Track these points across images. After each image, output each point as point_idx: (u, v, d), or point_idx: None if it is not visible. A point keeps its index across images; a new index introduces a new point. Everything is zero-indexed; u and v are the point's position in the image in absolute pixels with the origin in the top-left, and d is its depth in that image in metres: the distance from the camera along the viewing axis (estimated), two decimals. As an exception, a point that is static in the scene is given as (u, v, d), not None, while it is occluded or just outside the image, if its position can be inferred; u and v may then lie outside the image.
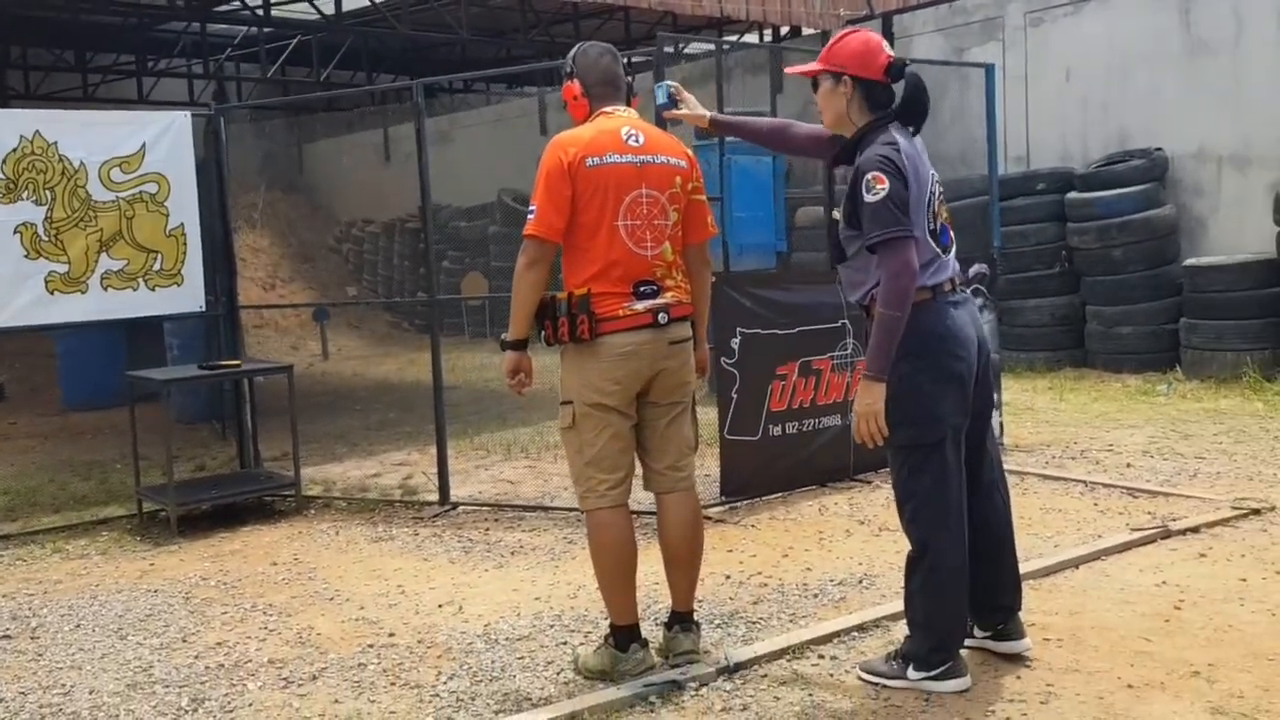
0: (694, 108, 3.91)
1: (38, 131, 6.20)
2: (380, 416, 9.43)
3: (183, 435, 6.76)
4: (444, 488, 6.15)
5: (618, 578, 3.63)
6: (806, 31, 12.29)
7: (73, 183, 6.27)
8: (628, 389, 3.58)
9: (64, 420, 10.39)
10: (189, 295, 6.64)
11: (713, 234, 3.79)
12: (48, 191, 6.20)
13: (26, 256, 6.14)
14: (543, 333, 3.59)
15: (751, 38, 15.12)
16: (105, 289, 6.37)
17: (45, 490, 7.35)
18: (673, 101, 3.88)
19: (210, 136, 6.77)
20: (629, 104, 3.71)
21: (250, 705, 3.64)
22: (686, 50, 13.81)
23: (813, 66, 3.52)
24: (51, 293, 6.23)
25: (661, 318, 3.55)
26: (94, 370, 11.02)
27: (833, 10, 11.15)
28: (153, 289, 6.52)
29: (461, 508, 6.07)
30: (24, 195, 6.14)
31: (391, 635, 4.20)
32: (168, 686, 3.82)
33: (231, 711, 3.60)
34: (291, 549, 5.53)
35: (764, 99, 10.31)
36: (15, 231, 6.12)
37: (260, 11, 12.83)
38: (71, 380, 11.15)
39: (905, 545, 3.50)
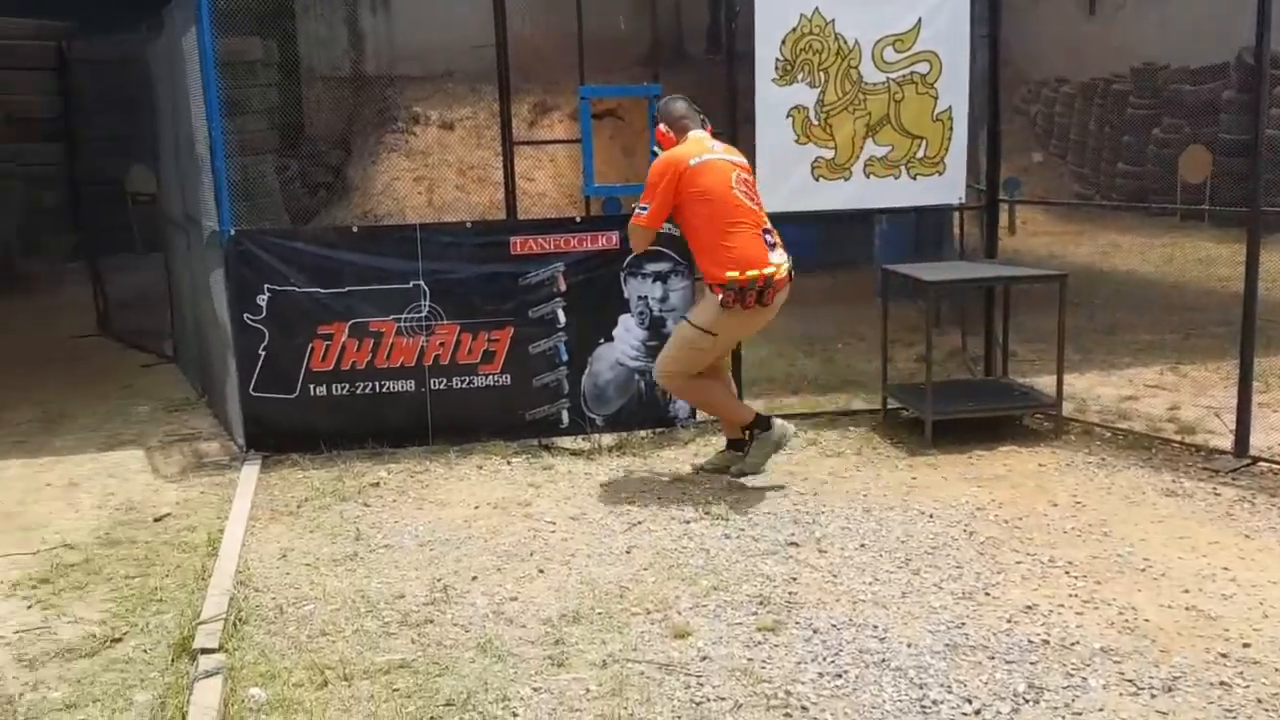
0: None
1: (817, 9, 6.00)
2: (1106, 318, 8.45)
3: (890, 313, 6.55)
4: (1242, 436, 5.17)
5: (728, 399, 5.32)
6: None
7: (846, 63, 6.02)
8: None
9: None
10: (949, 185, 6.21)
11: None
12: (821, 73, 6.02)
13: (796, 141, 6.06)
14: (721, 298, 4.87)
15: None
16: (868, 176, 6.13)
17: (776, 365, 7.55)
18: None
19: (987, 9, 6.13)
20: (704, 129, 5.15)
21: (1100, 711, 3.15)
22: None
23: None
24: (817, 179, 6.12)
25: (793, 273, 5.09)
26: (791, 229, 11.27)
27: None
28: (914, 177, 6.17)
29: (1263, 464, 5.06)
30: (799, 77, 6.02)
31: (1246, 646, 3.46)
32: (992, 658, 3.46)
33: (1080, 715, 3.14)
34: (1066, 486, 4.97)
35: None
36: (788, 115, 6.04)
37: None
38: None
39: None
